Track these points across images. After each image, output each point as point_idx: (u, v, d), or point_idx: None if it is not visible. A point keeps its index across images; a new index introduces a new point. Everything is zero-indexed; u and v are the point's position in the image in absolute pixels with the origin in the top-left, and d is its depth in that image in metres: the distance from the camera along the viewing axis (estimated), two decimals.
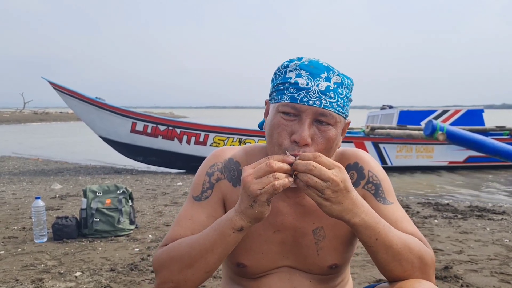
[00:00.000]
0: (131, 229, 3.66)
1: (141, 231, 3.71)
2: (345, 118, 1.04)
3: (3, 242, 3.38)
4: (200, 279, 1.00)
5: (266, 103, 1.11)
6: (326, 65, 1.01)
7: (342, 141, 1.20)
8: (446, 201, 5.46)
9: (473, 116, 9.84)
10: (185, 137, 8.72)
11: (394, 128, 9.02)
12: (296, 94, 0.98)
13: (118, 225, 3.53)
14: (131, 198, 3.76)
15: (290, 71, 1.01)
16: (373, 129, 9.12)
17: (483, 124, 9.81)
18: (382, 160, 9.26)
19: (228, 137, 8.73)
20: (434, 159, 9.52)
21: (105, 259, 2.97)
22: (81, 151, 13.58)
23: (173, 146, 8.76)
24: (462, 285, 2.48)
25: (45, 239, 3.41)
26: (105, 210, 3.52)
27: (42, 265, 2.85)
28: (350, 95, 1.04)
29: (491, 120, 13.84)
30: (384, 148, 9.26)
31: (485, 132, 8.94)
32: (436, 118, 9.67)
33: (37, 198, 3.40)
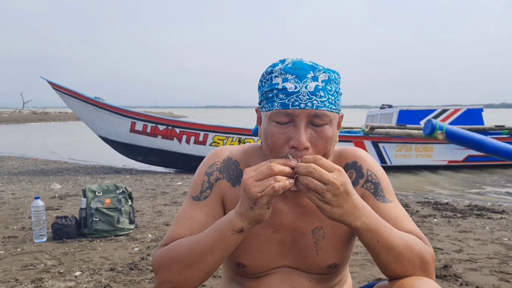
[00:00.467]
0: (131, 229, 3.66)
1: (141, 231, 3.71)
2: (338, 113, 1.04)
3: (2, 242, 3.38)
4: (200, 280, 1.00)
5: (257, 111, 1.10)
6: (310, 64, 1.00)
7: (342, 141, 1.20)
8: (446, 200, 5.46)
9: (472, 115, 9.85)
10: (184, 137, 8.72)
11: (394, 128, 9.02)
12: (287, 100, 0.97)
13: (117, 225, 3.53)
14: (130, 197, 3.76)
15: (276, 76, 1.00)
16: (372, 128, 9.12)
17: (482, 123, 9.82)
18: (382, 160, 9.26)
19: (228, 137, 8.73)
20: (434, 158, 9.53)
21: (105, 259, 2.97)
22: (81, 151, 13.57)
23: (172, 145, 8.76)
24: (461, 284, 2.48)
25: (45, 239, 3.41)
26: (104, 210, 3.52)
27: (42, 265, 2.85)
28: (339, 88, 1.04)
29: (490, 119, 13.86)
30: (383, 147, 9.26)
31: (485, 131, 8.95)
32: (436, 117, 9.68)
33: (37, 198, 3.40)
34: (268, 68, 1.04)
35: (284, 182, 0.88)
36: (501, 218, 4.33)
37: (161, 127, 8.70)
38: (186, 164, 8.84)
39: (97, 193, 3.59)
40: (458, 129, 6.59)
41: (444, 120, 9.64)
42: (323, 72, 0.99)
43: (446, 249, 3.20)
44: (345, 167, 1.14)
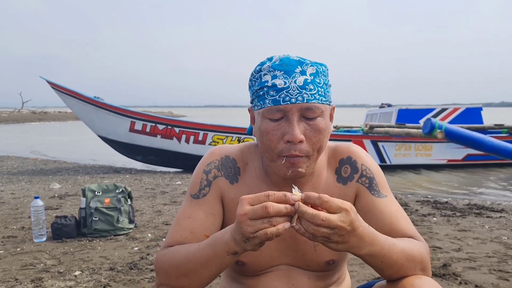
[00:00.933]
0: (130, 228, 3.66)
1: (140, 230, 3.71)
2: (329, 105, 1.05)
3: (2, 242, 3.38)
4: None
5: (249, 110, 1.11)
6: (297, 59, 1.01)
7: (341, 140, 1.21)
8: (445, 199, 5.47)
9: (471, 114, 9.85)
10: (184, 136, 8.72)
11: (393, 127, 9.02)
12: (277, 96, 0.98)
13: (117, 224, 3.54)
14: (130, 197, 3.76)
15: (265, 74, 1.01)
16: (372, 127, 9.12)
17: (481, 122, 9.82)
18: (381, 159, 9.27)
19: (227, 136, 8.73)
20: (433, 157, 9.53)
21: (105, 258, 2.98)
22: (80, 150, 13.57)
23: (172, 145, 8.76)
24: (460, 283, 2.49)
25: (44, 239, 3.41)
26: (104, 210, 3.52)
27: (42, 265, 2.85)
28: (328, 80, 1.05)
29: (489, 118, 13.87)
30: (383, 146, 9.26)
31: (484, 130, 8.95)
32: (435, 116, 9.68)
33: (36, 197, 3.40)
34: (256, 67, 1.05)
35: (278, 229, 0.82)
36: (500, 217, 4.34)
37: (161, 127, 8.70)
38: (186, 163, 8.84)
39: (96, 192, 3.60)
40: (457, 128, 6.59)
41: (443, 119, 9.64)
42: (311, 66, 1.00)
43: (445, 248, 3.20)
44: (340, 162, 1.15)
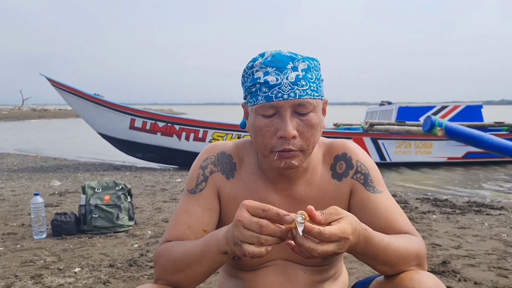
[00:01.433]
0: (130, 225, 3.66)
1: (140, 227, 3.72)
2: (322, 99, 1.06)
3: (2, 239, 3.38)
4: (191, 284, 1.03)
5: (243, 106, 1.12)
6: (289, 55, 1.01)
7: (341, 138, 1.21)
8: (445, 197, 5.47)
9: (471, 112, 9.84)
10: (184, 134, 8.73)
11: (393, 124, 9.02)
12: (270, 92, 0.99)
13: (117, 221, 3.54)
14: (130, 194, 3.76)
15: (257, 70, 1.02)
16: (372, 125, 9.13)
17: (481, 120, 9.82)
18: (381, 156, 9.26)
19: (227, 134, 8.74)
20: (433, 155, 9.53)
21: (104, 255, 2.98)
22: (80, 148, 13.58)
23: (172, 142, 8.76)
24: (459, 280, 2.49)
25: (44, 236, 3.42)
26: (104, 207, 3.52)
27: (41, 261, 2.85)
28: (320, 75, 1.06)
29: (489, 116, 13.86)
30: (383, 144, 9.26)
31: (484, 128, 8.95)
32: (435, 114, 9.68)
33: (36, 194, 3.40)
34: (249, 63, 1.05)
35: (261, 250, 0.85)
36: (500, 214, 4.34)
37: (161, 124, 8.70)
38: (186, 161, 8.84)
39: (96, 189, 3.60)
40: (457, 125, 6.60)
41: (443, 116, 9.64)
42: (302, 62, 1.01)
43: (445, 245, 3.21)
44: (335, 158, 1.16)
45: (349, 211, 1.15)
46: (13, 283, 2.46)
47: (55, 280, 2.52)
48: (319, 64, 1.06)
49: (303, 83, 1.00)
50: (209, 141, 8.71)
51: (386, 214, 1.08)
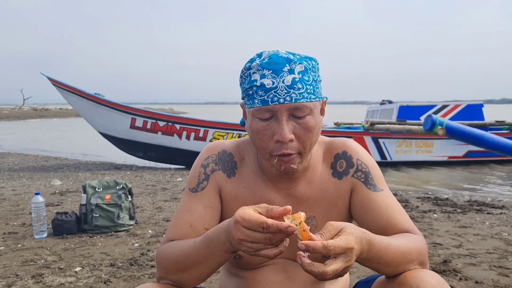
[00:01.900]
0: (131, 225, 3.67)
1: (141, 227, 3.72)
2: (319, 100, 1.05)
3: (3, 238, 3.39)
4: (195, 283, 1.03)
5: (241, 106, 1.12)
6: (286, 56, 1.00)
7: (342, 137, 1.21)
8: (446, 196, 5.46)
9: (472, 111, 9.83)
10: (184, 133, 8.72)
11: (394, 123, 9.01)
12: (266, 96, 0.99)
13: (117, 221, 3.54)
14: (130, 193, 3.76)
15: (254, 72, 1.01)
16: (372, 124, 9.12)
17: (482, 118, 9.81)
18: (382, 155, 9.26)
19: (228, 133, 8.74)
20: (434, 154, 9.52)
21: (105, 254, 2.98)
22: (81, 147, 13.58)
23: (172, 141, 8.76)
24: (460, 279, 2.49)
25: (45, 235, 3.42)
26: (104, 206, 3.52)
27: (42, 261, 2.85)
28: (318, 76, 1.05)
29: (490, 114, 13.84)
30: (383, 143, 9.25)
31: (485, 127, 8.94)
32: (436, 113, 9.67)
33: (37, 194, 3.41)
34: (246, 63, 1.05)
35: (277, 249, 0.86)
36: (501, 213, 4.33)
37: (161, 123, 8.70)
38: (186, 160, 8.85)
39: (97, 189, 3.60)
40: (458, 124, 6.59)
41: (444, 115, 9.63)
42: (299, 63, 1.00)
43: (446, 244, 3.20)
44: (335, 157, 1.16)
45: (350, 209, 1.16)
46: (14, 283, 2.46)
47: (56, 279, 2.52)
48: (318, 64, 1.05)
49: (300, 86, 0.99)
50: (210, 140, 8.71)
51: (387, 213, 1.08)
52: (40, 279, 2.51)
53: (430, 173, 8.69)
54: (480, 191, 6.57)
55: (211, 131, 8.74)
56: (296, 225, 0.84)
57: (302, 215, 0.85)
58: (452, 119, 9.17)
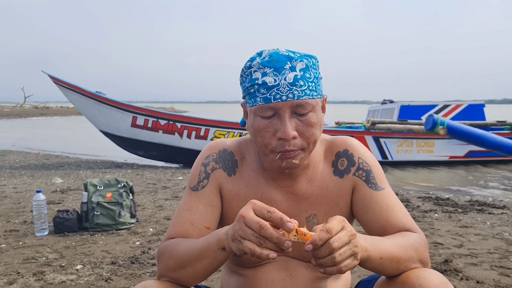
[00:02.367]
0: (132, 223, 3.67)
1: (142, 225, 3.72)
2: (320, 97, 1.05)
3: (4, 236, 3.39)
4: (192, 282, 1.03)
5: (242, 105, 1.12)
6: (286, 54, 1.01)
7: (342, 135, 1.21)
8: (447, 196, 5.46)
9: (474, 111, 9.82)
10: (185, 132, 8.73)
11: (395, 123, 9.01)
12: (268, 94, 0.99)
13: (119, 219, 3.54)
14: (131, 192, 3.76)
15: (255, 71, 1.01)
16: (373, 123, 9.12)
17: (484, 118, 9.80)
18: (383, 155, 9.26)
19: (229, 132, 8.74)
20: (435, 153, 9.52)
21: (106, 252, 2.99)
22: (82, 145, 13.59)
23: (173, 140, 8.77)
24: (461, 279, 2.49)
25: (46, 233, 3.42)
26: (105, 204, 3.53)
27: (43, 258, 2.86)
28: (319, 73, 1.05)
29: (492, 115, 13.83)
30: (384, 142, 9.25)
31: (486, 127, 8.93)
32: (437, 112, 9.66)
33: (38, 191, 3.41)
34: (246, 62, 1.05)
35: (262, 252, 0.84)
36: (502, 213, 4.33)
37: (162, 122, 8.70)
38: (187, 158, 8.85)
39: (98, 187, 3.60)
40: (459, 124, 6.58)
41: (445, 115, 9.62)
42: (300, 61, 1.00)
43: (447, 244, 3.20)
44: (336, 155, 1.16)
45: (351, 208, 1.15)
46: (15, 280, 2.46)
47: (57, 277, 2.52)
48: (318, 61, 1.05)
49: (301, 83, 0.99)
50: (211, 139, 8.71)
51: (387, 212, 1.08)
52: (41, 276, 2.51)
53: (431, 173, 8.69)
54: (481, 191, 6.56)
55: (212, 130, 8.75)
56: (295, 235, 0.84)
57: (295, 224, 0.85)
58: (453, 119, 9.17)
